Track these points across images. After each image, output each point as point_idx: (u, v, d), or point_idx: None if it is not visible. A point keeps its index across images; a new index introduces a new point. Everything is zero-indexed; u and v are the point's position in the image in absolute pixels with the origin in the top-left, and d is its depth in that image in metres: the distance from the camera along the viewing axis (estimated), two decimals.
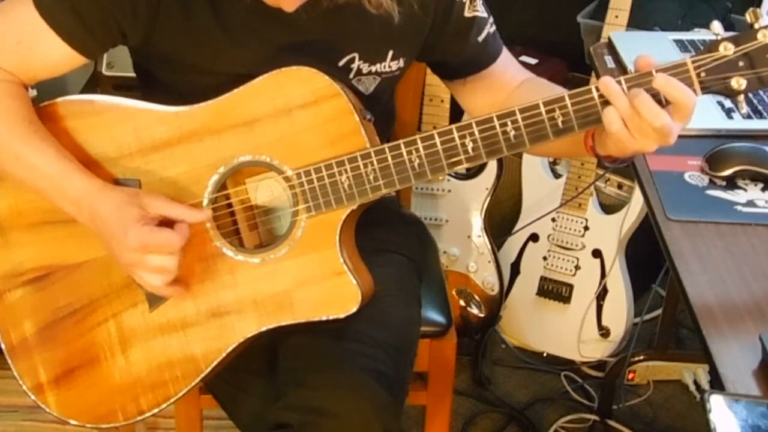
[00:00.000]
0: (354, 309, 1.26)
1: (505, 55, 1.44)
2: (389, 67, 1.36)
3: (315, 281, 1.27)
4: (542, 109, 1.17)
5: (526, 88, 1.41)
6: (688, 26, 2.16)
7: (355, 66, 1.33)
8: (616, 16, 2.01)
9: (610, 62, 1.81)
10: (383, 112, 1.41)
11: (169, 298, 1.29)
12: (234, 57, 1.29)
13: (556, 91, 1.29)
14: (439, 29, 1.36)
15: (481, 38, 1.39)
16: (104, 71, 2.53)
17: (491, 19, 1.40)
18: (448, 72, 1.45)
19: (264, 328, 1.29)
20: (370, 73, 1.35)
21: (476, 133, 1.20)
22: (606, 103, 1.15)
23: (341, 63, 1.33)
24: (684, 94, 1.11)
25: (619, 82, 1.14)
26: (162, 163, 1.30)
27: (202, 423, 1.71)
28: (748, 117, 1.58)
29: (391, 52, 1.35)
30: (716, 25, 1.13)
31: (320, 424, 1.23)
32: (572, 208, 2.17)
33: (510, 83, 1.42)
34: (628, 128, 1.13)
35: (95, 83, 2.54)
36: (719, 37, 1.13)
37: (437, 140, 1.22)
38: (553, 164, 2.24)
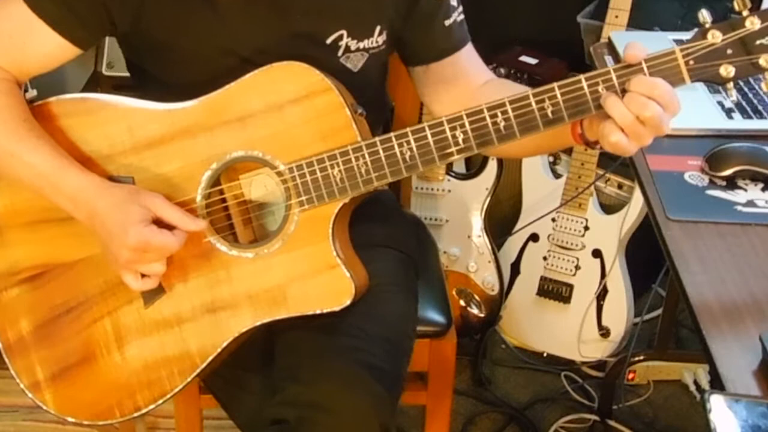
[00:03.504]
0: (348, 302, 1.27)
1: (471, 49, 1.44)
2: (376, 42, 1.37)
3: (309, 275, 1.27)
4: (532, 100, 1.18)
5: (494, 87, 1.41)
6: (688, 26, 2.15)
7: (343, 43, 1.34)
8: (616, 16, 2.00)
9: (610, 62, 1.81)
10: (375, 100, 1.42)
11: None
12: (222, 36, 1.31)
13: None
14: (412, 6, 1.37)
15: (447, 23, 1.39)
16: (104, 71, 2.53)
17: (461, 9, 1.41)
18: (410, 55, 1.44)
19: (259, 323, 1.29)
20: (358, 49, 1.36)
21: (467, 124, 1.21)
22: (595, 92, 1.16)
23: (329, 40, 1.34)
24: (657, 88, 1.12)
25: (608, 72, 1.15)
26: (155, 160, 1.30)
27: (202, 423, 1.71)
28: (748, 117, 1.58)
29: (378, 28, 1.36)
30: (704, 14, 1.13)
31: (316, 419, 1.23)
32: (572, 208, 2.17)
33: (473, 79, 1.42)
34: (626, 135, 1.15)
35: (95, 83, 2.54)
36: (707, 26, 1.13)
37: (428, 132, 1.22)
38: (553, 164, 2.24)
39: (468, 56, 1.44)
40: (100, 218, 1.25)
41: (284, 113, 1.26)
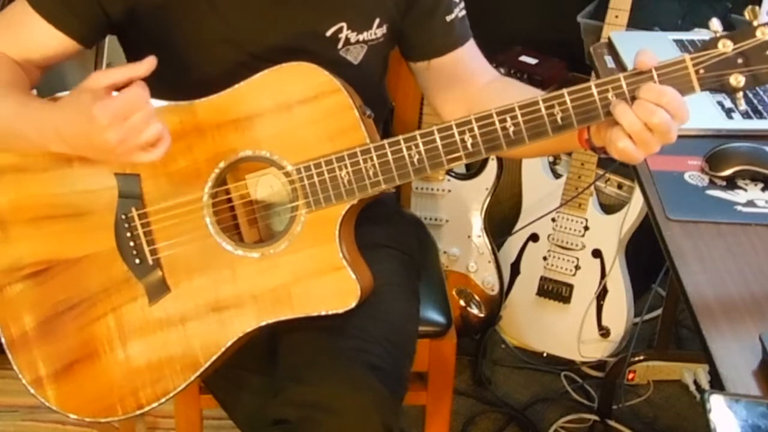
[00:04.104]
0: (353, 304, 1.27)
1: (473, 46, 1.45)
2: (375, 34, 1.37)
3: (314, 276, 1.27)
4: (541, 106, 1.18)
5: (499, 86, 1.41)
6: (688, 26, 2.16)
7: (343, 36, 1.35)
8: (616, 16, 2.01)
9: (610, 62, 1.81)
10: (376, 96, 1.41)
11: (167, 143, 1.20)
12: (219, 27, 1.31)
13: (531, 92, 1.29)
14: (412, 0, 1.38)
15: (449, 18, 1.40)
16: None
17: (462, 5, 1.42)
18: (411, 49, 1.45)
19: (263, 323, 1.29)
20: (357, 42, 1.37)
21: (475, 129, 1.21)
22: (605, 99, 1.16)
23: (329, 33, 1.34)
24: (665, 95, 1.12)
25: (618, 79, 1.15)
26: (162, 158, 1.30)
27: (202, 423, 1.71)
28: (748, 117, 1.58)
29: (377, 20, 1.36)
30: (715, 23, 1.14)
31: (319, 420, 1.23)
32: (572, 208, 2.17)
33: (477, 77, 1.43)
34: (634, 142, 1.15)
35: None
36: (718, 35, 1.14)
37: (437, 136, 1.22)
38: (553, 164, 2.24)
39: (470, 53, 1.44)
40: (67, 130, 1.20)
41: (293, 113, 1.26)
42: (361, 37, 1.37)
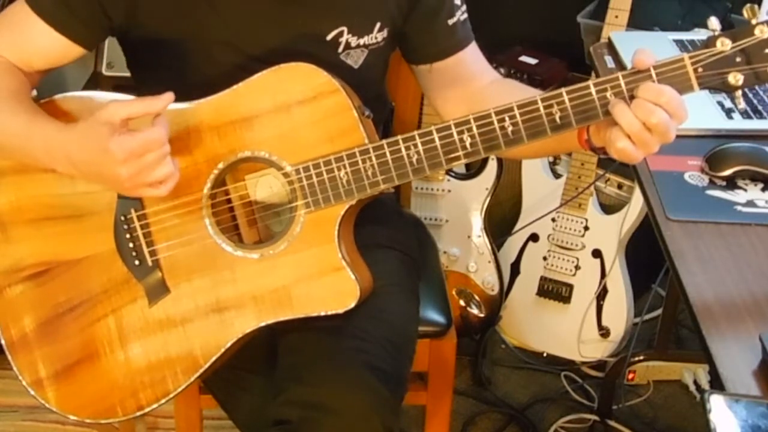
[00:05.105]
0: (352, 304, 1.27)
1: (475, 48, 1.45)
2: (375, 38, 1.37)
3: (314, 276, 1.27)
4: (540, 105, 1.18)
5: (500, 87, 1.41)
6: (688, 26, 2.16)
7: (343, 40, 1.35)
8: (616, 16, 2.01)
9: (610, 62, 1.81)
10: (376, 98, 1.42)
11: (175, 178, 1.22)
12: (220, 30, 1.31)
13: (532, 93, 1.29)
14: (414, 3, 1.38)
15: (451, 22, 1.40)
16: (104, 71, 2.53)
17: (464, 8, 1.42)
18: (413, 53, 1.45)
19: (263, 324, 1.29)
20: (358, 46, 1.37)
21: (474, 129, 1.21)
22: (604, 98, 1.16)
23: (329, 37, 1.34)
24: (664, 95, 1.12)
25: (617, 78, 1.15)
26: None
27: (202, 423, 1.71)
28: (748, 117, 1.58)
29: (378, 24, 1.36)
30: (713, 21, 1.14)
31: (319, 420, 1.23)
32: (572, 208, 2.17)
33: (479, 79, 1.43)
34: (633, 142, 1.15)
35: (95, 83, 2.54)
36: (716, 33, 1.13)
37: (435, 136, 1.22)
38: (553, 164, 2.24)
39: (472, 55, 1.44)
40: (78, 157, 1.22)
41: (292, 114, 1.26)
42: (361, 42, 1.36)
